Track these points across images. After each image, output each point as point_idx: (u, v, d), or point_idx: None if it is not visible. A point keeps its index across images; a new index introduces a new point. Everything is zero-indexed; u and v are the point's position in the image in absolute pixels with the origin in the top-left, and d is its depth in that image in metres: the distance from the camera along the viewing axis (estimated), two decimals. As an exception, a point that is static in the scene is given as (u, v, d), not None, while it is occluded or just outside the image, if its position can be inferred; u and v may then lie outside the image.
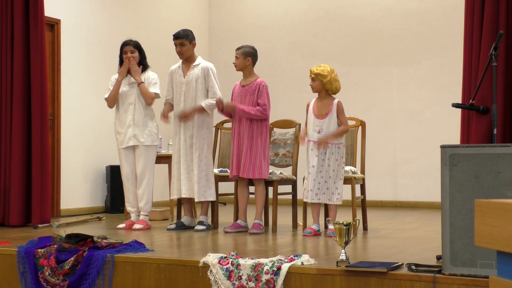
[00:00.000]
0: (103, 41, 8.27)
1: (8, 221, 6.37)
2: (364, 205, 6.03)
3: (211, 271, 3.96)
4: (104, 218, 7.13)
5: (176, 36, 6.00)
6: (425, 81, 8.95)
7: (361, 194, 6.05)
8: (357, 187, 5.98)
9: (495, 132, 4.47)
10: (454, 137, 6.78)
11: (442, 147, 3.49)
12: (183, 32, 6.02)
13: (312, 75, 5.60)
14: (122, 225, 6.08)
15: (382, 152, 9.07)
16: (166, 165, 7.64)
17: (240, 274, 3.87)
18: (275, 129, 6.50)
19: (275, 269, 3.78)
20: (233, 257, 4.00)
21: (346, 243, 3.79)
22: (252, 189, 5.97)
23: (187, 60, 6.06)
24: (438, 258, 3.90)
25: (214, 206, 6.22)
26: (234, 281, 3.87)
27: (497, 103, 4.66)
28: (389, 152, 9.12)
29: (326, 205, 5.70)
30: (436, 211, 7.19)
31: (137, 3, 8.97)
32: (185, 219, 6.13)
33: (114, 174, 7.85)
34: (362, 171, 6.07)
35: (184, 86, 6.01)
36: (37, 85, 6.47)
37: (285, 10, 9.89)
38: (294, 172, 6.22)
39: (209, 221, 6.14)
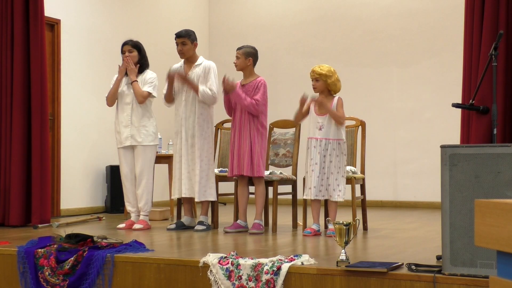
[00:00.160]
0: (103, 41, 8.27)
1: (8, 221, 6.38)
2: (364, 205, 6.03)
3: (211, 271, 3.96)
4: (104, 218, 7.13)
5: (178, 35, 6.03)
6: (425, 81, 8.95)
7: (361, 194, 6.05)
8: (357, 187, 5.98)
9: (495, 132, 4.47)
10: (454, 137, 6.78)
11: (442, 147, 3.49)
12: (185, 31, 6.05)
13: (316, 75, 5.59)
14: (122, 225, 6.08)
15: (382, 152, 9.07)
16: (166, 165, 7.64)
17: (240, 274, 3.87)
18: (275, 129, 6.51)
19: (275, 269, 3.78)
20: (233, 257, 4.00)
21: (346, 243, 3.78)
22: (252, 189, 5.97)
23: (189, 60, 6.07)
24: (438, 258, 3.90)
25: (214, 206, 6.22)
26: (234, 281, 3.87)
27: (497, 103, 4.66)
28: (389, 152, 9.12)
29: (326, 204, 5.70)
30: (436, 211, 7.19)
31: (137, 3, 8.97)
32: (185, 219, 6.13)
33: (114, 174, 7.85)
34: (362, 171, 6.07)
35: (185, 86, 6.01)
36: (37, 85, 6.47)
37: (285, 10, 9.89)
38: (294, 172, 6.22)
39: (209, 221, 6.14)
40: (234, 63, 5.88)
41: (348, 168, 5.87)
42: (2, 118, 6.51)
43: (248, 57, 5.84)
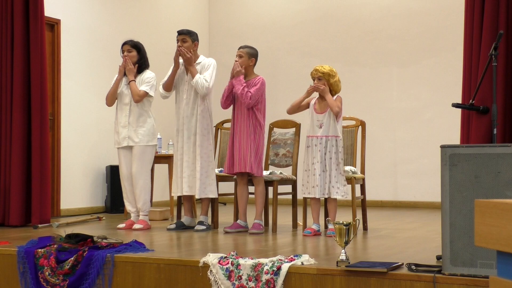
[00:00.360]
0: (103, 41, 8.27)
1: (8, 221, 6.37)
2: (364, 205, 6.03)
3: (211, 271, 3.96)
4: (104, 218, 7.13)
5: (180, 32, 6.06)
6: (425, 81, 8.95)
7: (361, 194, 6.05)
8: (357, 187, 5.98)
9: (495, 132, 4.47)
10: (454, 137, 6.79)
11: (442, 147, 3.49)
12: (187, 30, 6.09)
13: (319, 74, 5.62)
14: (122, 225, 6.08)
15: (382, 152, 9.07)
16: (166, 165, 7.64)
17: (240, 274, 3.87)
18: (275, 129, 6.51)
19: (275, 269, 3.78)
20: (233, 257, 4.00)
21: (346, 243, 3.78)
22: (252, 189, 5.97)
23: None
24: (438, 258, 3.90)
25: (214, 206, 6.22)
26: (234, 281, 3.87)
27: (497, 103, 4.66)
28: (389, 152, 9.12)
29: (325, 203, 5.70)
30: (436, 211, 7.19)
31: (137, 3, 8.97)
32: (185, 219, 6.13)
33: (114, 174, 7.85)
34: (362, 171, 6.07)
35: (186, 84, 6.03)
36: (37, 85, 6.47)
37: (285, 10, 9.90)
38: (294, 172, 6.23)
39: (209, 221, 6.14)
40: (236, 61, 5.87)
41: (348, 168, 5.87)
42: (2, 118, 6.51)
43: (251, 57, 5.86)
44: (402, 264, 3.73)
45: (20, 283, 4.50)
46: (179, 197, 6.30)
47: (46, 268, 4.42)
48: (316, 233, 5.51)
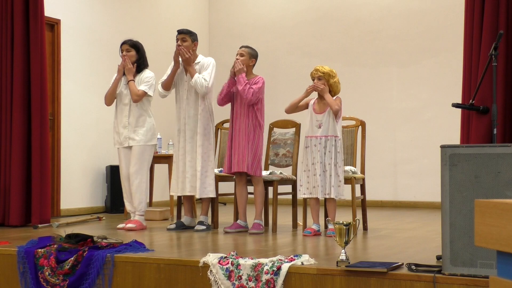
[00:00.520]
0: (103, 41, 8.27)
1: (8, 221, 6.37)
2: (364, 205, 6.03)
3: (211, 271, 3.96)
4: (104, 218, 7.13)
5: (180, 31, 6.07)
6: (425, 81, 8.95)
7: (361, 194, 6.05)
8: (357, 187, 5.98)
9: (495, 132, 4.47)
10: (454, 137, 6.79)
11: (442, 147, 3.49)
12: (187, 29, 6.09)
13: (320, 73, 5.62)
14: (122, 225, 6.07)
15: (382, 152, 9.07)
16: (166, 165, 7.64)
17: (240, 274, 3.87)
18: (275, 129, 6.51)
19: (275, 269, 3.78)
20: (233, 257, 4.00)
21: (346, 243, 3.78)
22: (251, 189, 5.97)
23: None
24: (438, 258, 3.90)
25: (214, 206, 6.22)
26: (234, 281, 3.87)
27: (497, 103, 4.66)
28: (389, 152, 9.12)
29: (325, 203, 5.70)
30: (436, 211, 7.19)
31: (137, 3, 8.97)
32: (185, 219, 6.13)
33: (114, 174, 7.85)
34: (362, 171, 6.07)
35: (186, 84, 6.03)
36: (37, 85, 6.47)
37: (285, 10, 9.89)
38: (294, 172, 6.23)
39: (209, 221, 6.14)
40: (237, 59, 5.87)
41: (348, 168, 5.87)
42: (2, 118, 6.51)
43: (252, 58, 5.87)
44: (402, 264, 3.73)
45: (20, 283, 4.50)
46: (179, 197, 6.30)
47: (46, 268, 4.42)
48: (316, 233, 5.51)
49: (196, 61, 6.06)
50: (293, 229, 6.06)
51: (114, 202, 7.96)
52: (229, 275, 3.90)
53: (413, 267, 3.59)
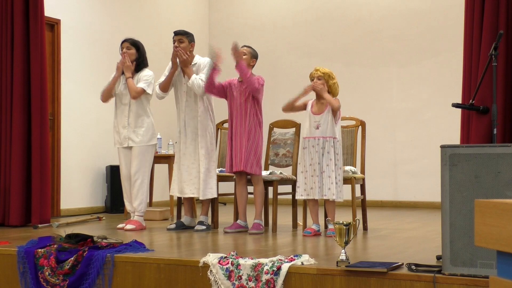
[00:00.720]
0: (103, 41, 8.27)
1: (8, 221, 6.38)
2: (364, 205, 6.03)
3: (211, 271, 3.96)
4: (104, 218, 7.13)
5: (177, 33, 6.07)
6: (425, 81, 8.95)
7: (361, 194, 6.05)
8: (357, 187, 5.98)
9: (495, 132, 4.47)
10: (454, 137, 6.79)
11: (442, 147, 3.49)
12: (184, 30, 6.09)
13: (320, 73, 5.62)
14: (122, 225, 6.07)
15: (382, 152, 9.07)
16: (166, 165, 7.64)
17: (240, 274, 3.87)
18: (275, 129, 6.51)
19: (275, 269, 3.78)
20: (233, 257, 4.00)
21: (346, 243, 3.78)
22: (251, 189, 5.97)
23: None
24: (438, 258, 3.90)
25: (214, 206, 6.22)
26: (234, 281, 3.87)
27: (497, 103, 4.66)
28: (389, 152, 9.12)
29: (324, 204, 5.70)
30: (436, 211, 7.19)
31: (137, 3, 8.97)
32: (185, 219, 6.13)
33: (114, 174, 7.85)
34: (362, 171, 6.07)
35: (185, 86, 6.03)
36: (37, 85, 6.47)
37: (285, 10, 9.90)
38: (294, 172, 6.22)
39: (209, 221, 6.14)
40: (243, 52, 5.89)
41: (348, 168, 5.87)
42: (2, 118, 6.51)
43: (253, 58, 5.88)
44: (402, 264, 3.73)
45: (20, 283, 4.50)
46: (179, 197, 6.30)
47: (46, 268, 4.42)
48: (316, 233, 5.51)
49: (193, 62, 6.05)
50: (293, 229, 6.06)
51: (114, 202, 7.96)
52: (229, 275, 3.90)
53: (413, 267, 3.59)
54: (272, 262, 3.82)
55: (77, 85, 7.90)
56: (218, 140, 6.76)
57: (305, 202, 5.79)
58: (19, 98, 6.45)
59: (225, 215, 7.19)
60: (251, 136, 5.76)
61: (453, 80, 7.97)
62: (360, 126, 6.11)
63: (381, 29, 9.24)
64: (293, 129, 6.35)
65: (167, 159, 7.44)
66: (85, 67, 8.04)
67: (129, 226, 5.95)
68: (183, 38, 6.02)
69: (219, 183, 6.26)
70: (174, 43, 6.03)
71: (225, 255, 4.03)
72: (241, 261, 3.92)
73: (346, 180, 5.71)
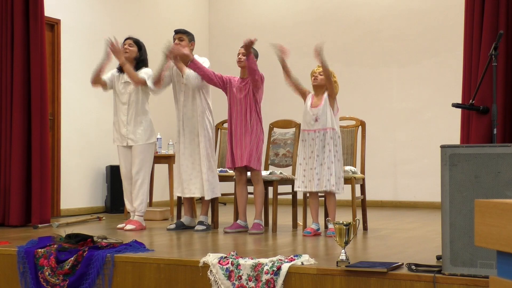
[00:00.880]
0: (103, 41, 8.25)
1: (8, 221, 6.38)
2: (364, 205, 6.03)
3: (211, 271, 3.96)
4: (104, 218, 7.13)
5: (177, 31, 6.09)
6: (425, 81, 8.95)
7: (361, 194, 6.05)
8: (357, 187, 5.98)
9: (495, 132, 4.47)
10: (454, 137, 6.78)
11: (442, 147, 3.49)
12: (184, 29, 6.11)
13: (321, 69, 5.61)
14: (122, 225, 6.07)
15: (382, 152, 9.07)
16: (166, 165, 7.64)
17: (240, 274, 3.87)
18: (275, 129, 6.51)
19: (275, 269, 3.78)
20: (233, 257, 4.00)
21: (346, 243, 3.78)
22: (251, 189, 5.96)
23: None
24: (438, 258, 3.90)
25: (214, 206, 6.22)
26: (234, 281, 3.87)
27: (497, 103, 4.66)
28: (389, 152, 9.12)
29: (325, 202, 5.69)
30: (436, 211, 7.19)
31: (137, 3, 8.97)
32: (185, 219, 6.12)
33: (114, 174, 7.85)
34: (362, 171, 6.07)
35: (183, 86, 6.02)
36: (37, 85, 6.47)
37: (285, 10, 9.89)
38: (294, 172, 6.22)
39: (209, 221, 6.14)
40: (240, 58, 5.89)
41: (348, 168, 5.87)
42: (2, 118, 6.51)
43: (255, 58, 5.89)
44: (402, 264, 3.73)
45: (20, 283, 4.50)
46: (179, 197, 6.30)
47: (46, 268, 4.42)
48: (316, 233, 5.51)
49: None
50: (293, 229, 6.06)
51: (114, 202, 7.96)
52: (229, 275, 3.90)
53: (413, 267, 3.59)
54: (272, 262, 3.82)
55: (77, 85, 7.90)
56: (218, 140, 6.76)
57: (305, 200, 5.78)
58: (19, 98, 6.45)
59: (225, 215, 7.18)
60: (253, 131, 5.76)
61: (453, 80, 7.97)
62: (360, 126, 6.11)
63: (381, 29, 9.23)
64: (293, 129, 6.35)
65: (167, 159, 7.44)
66: (85, 67, 8.02)
67: (129, 226, 5.95)
68: (183, 36, 6.04)
69: (219, 183, 6.26)
70: (174, 41, 6.04)
71: (225, 255, 4.03)
72: (241, 261, 3.92)
73: (346, 180, 5.71)
